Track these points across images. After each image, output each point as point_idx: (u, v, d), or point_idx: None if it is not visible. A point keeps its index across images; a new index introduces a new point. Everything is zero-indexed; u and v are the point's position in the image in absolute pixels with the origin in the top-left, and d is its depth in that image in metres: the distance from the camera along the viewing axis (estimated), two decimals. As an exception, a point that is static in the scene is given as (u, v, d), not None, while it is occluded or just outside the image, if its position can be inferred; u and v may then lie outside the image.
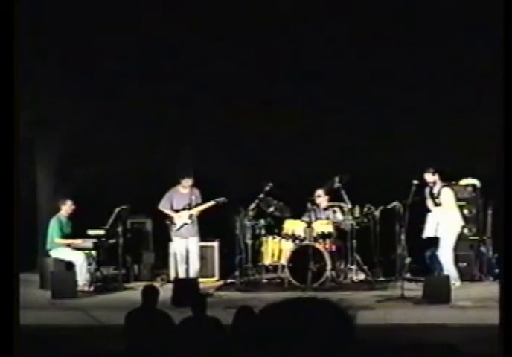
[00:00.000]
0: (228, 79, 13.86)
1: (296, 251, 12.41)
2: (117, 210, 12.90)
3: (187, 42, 13.81)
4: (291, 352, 2.45)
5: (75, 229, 13.02)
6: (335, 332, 2.46)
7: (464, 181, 13.39)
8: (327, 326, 2.46)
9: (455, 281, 12.08)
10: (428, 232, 12.38)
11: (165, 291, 10.43)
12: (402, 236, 12.11)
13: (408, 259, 12.56)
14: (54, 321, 10.35)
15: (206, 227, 13.08)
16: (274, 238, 13.06)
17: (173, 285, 11.50)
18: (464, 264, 12.89)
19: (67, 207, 13.01)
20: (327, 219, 13.08)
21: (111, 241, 13.09)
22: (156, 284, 10.88)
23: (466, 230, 12.96)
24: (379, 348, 7.85)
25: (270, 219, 13.17)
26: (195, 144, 14.19)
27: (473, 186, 13.37)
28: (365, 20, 13.55)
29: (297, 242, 12.69)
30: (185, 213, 12.84)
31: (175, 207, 13.00)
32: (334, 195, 13.22)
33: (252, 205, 12.93)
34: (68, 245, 12.87)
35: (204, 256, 13.33)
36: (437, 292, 11.08)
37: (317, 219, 13.00)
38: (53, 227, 12.90)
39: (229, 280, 13.01)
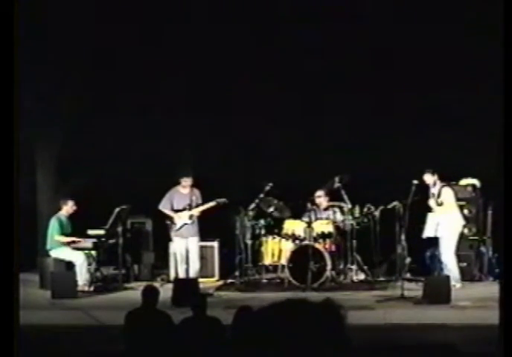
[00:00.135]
0: (228, 79, 13.86)
1: (296, 251, 12.41)
2: (117, 210, 12.90)
3: (188, 42, 13.82)
4: (291, 352, 2.45)
5: (75, 229, 13.03)
6: (326, 332, 2.47)
7: (464, 181, 13.40)
8: (318, 326, 2.47)
9: (456, 282, 12.06)
10: (428, 232, 12.37)
11: (165, 291, 10.43)
12: (402, 236, 12.12)
13: (408, 259, 12.57)
14: (54, 321, 10.34)
15: (206, 227, 13.08)
16: (274, 238, 13.07)
17: (173, 285, 11.50)
18: (464, 264, 12.89)
19: (68, 207, 13.01)
20: (327, 219, 13.09)
21: (111, 241, 13.09)
22: (156, 284, 10.88)
23: (466, 230, 12.97)
24: (379, 348, 7.86)
25: (270, 219, 13.18)
26: (195, 144, 14.20)
27: (473, 186, 13.37)
28: (367, 18, 13.57)
29: (297, 242, 12.70)
30: (185, 214, 12.85)
31: (175, 208, 13.00)
32: (334, 196, 13.22)
33: (252, 205, 12.93)
34: (68, 244, 12.87)
35: (204, 256, 13.33)
36: (437, 292, 11.08)
37: (317, 219, 13.00)
38: (53, 226, 12.90)
39: (229, 280, 13.01)
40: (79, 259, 12.66)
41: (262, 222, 13.05)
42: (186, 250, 12.64)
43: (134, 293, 11.26)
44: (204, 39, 13.78)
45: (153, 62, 13.93)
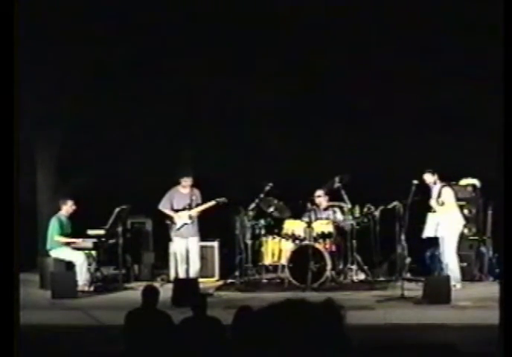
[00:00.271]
0: (228, 79, 13.85)
1: (296, 251, 12.41)
2: (117, 210, 12.90)
3: (188, 42, 13.81)
4: (291, 352, 2.45)
5: (75, 229, 13.03)
6: (326, 332, 2.47)
7: (464, 181, 13.40)
8: (318, 326, 2.47)
9: (457, 283, 12.06)
10: (428, 232, 12.37)
11: (165, 291, 10.42)
12: (402, 236, 12.12)
13: (408, 259, 12.56)
14: (54, 321, 10.33)
15: (206, 227, 13.08)
16: (274, 238, 13.07)
17: (173, 285, 11.49)
18: (464, 264, 12.88)
19: (68, 207, 13.01)
20: (327, 219, 13.09)
21: (111, 241, 13.09)
22: (156, 284, 10.89)
23: (466, 230, 12.97)
24: (379, 348, 7.85)
25: (270, 219, 13.18)
26: (195, 144, 14.19)
27: (473, 186, 13.37)
28: (368, 20, 13.57)
29: (297, 242, 12.70)
30: (185, 213, 12.85)
31: (175, 207, 13.00)
32: (334, 196, 13.22)
33: (252, 205, 12.93)
34: (68, 244, 12.87)
35: (204, 256, 13.33)
36: (437, 292, 11.08)
37: (317, 219, 13.01)
38: (53, 226, 12.90)
39: (229, 280, 13.01)
40: (79, 259, 12.66)
41: (262, 222, 13.05)
42: (186, 250, 12.63)
43: (134, 293, 11.26)
44: (204, 39, 13.78)
45: (153, 62, 13.92)
